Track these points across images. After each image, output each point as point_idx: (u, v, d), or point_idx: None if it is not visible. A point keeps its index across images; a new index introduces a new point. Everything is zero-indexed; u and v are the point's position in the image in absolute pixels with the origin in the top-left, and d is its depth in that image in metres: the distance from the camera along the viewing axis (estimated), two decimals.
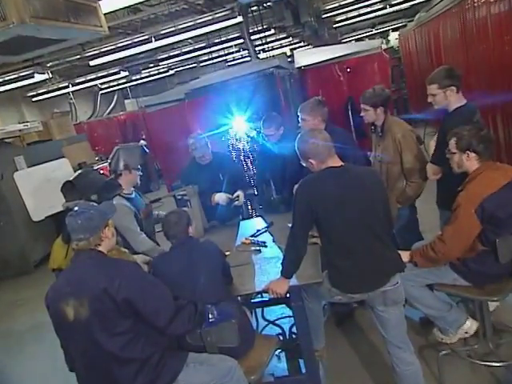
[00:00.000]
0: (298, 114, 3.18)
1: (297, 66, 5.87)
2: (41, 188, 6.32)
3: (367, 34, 14.53)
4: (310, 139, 2.20)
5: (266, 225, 3.42)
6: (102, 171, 2.95)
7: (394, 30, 13.42)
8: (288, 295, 2.41)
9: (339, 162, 2.20)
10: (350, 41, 14.57)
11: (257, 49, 8.76)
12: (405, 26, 11.55)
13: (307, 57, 5.89)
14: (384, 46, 11.10)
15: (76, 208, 1.91)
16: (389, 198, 2.41)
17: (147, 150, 3.15)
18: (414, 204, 3.15)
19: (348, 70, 5.60)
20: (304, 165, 2.29)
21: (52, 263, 2.42)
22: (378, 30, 14.20)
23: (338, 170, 2.17)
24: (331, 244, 2.19)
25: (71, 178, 2.44)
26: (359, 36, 14.71)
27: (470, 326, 2.63)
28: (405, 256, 2.44)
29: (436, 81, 2.67)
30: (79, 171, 2.56)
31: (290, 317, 3.34)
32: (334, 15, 10.25)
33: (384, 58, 5.83)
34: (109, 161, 3.09)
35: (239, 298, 2.63)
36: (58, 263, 2.37)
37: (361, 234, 2.13)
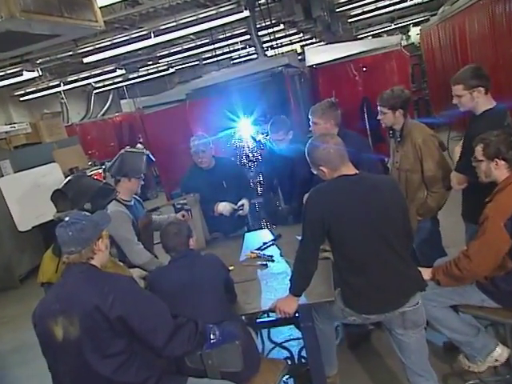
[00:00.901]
0: (309, 117, 3.20)
1: (308, 64, 5.90)
2: (28, 195, 6.36)
3: (385, 29, 14.60)
4: (321, 145, 2.21)
5: (273, 237, 3.43)
6: (95, 177, 2.99)
7: (415, 24, 13.47)
8: (297, 315, 2.41)
9: (353, 170, 2.21)
10: (367, 37, 14.65)
11: (264, 46, 8.82)
12: (427, 20, 11.60)
13: (319, 54, 5.93)
14: (404, 43, 11.13)
15: (67, 218, 1.93)
16: (408, 209, 2.41)
17: (153, 159, 3.18)
18: (436, 216, 3.14)
19: (364, 68, 5.62)
20: (315, 173, 2.30)
21: (41, 277, 2.44)
22: (398, 25, 14.25)
23: (352, 179, 2.18)
24: (344, 259, 2.20)
25: (60, 186, 2.46)
26: (376, 31, 14.78)
27: (501, 353, 2.59)
28: (426, 273, 2.43)
29: (462, 81, 2.66)
30: (69, 178, 2.57)
31: (299, 339, 3.33)
32: (349, 9, 10.32)
33: (404, 56, 5.85)
34: (109, 164, 3.11)
35: (243, 317, 2.64)
36: (48, 277, 2.39)
37: (377, 248, 2.13)
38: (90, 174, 6.48)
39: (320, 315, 2.47)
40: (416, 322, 2.20)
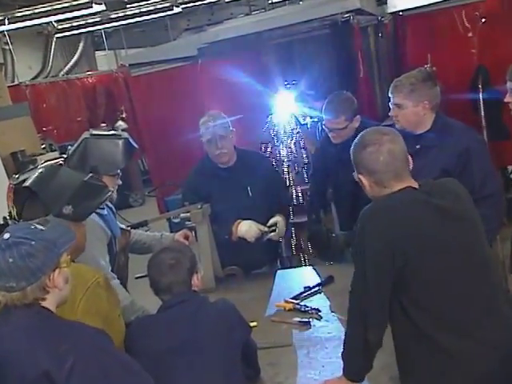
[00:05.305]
0: (389, 95, 3.21)
1: (390, 9, 5.86)
2: None
3: None
4: (369, 145, 2.26)
5: (320, 280, 3.44)
6: None
7: None
8: None
9: (414, 183, 2.25)
10: None
11: None
12: None
13: None
14: None
15: (6, 235, 1.91)
16: None
17: (135, 146, 3.22)
18: None
19: (482, 19, 5.51)
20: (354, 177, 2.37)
21: None
22: None
23: (424, 190, 2.22)
24: (432, 313, 2.17)
25: (28, 183, 2.53)
26: None
27: None
28: None
29: None
30: (39, 171, 2.64)
31: None
32: None
33: None
34: (68, 154, 3.17)
35: None
36: None
37: (479, 290, 2.17)
38: (43, 163, 6.59)
39: None
40: None
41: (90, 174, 2.68)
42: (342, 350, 2.34)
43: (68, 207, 2.43)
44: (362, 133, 2.36)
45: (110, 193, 2.73)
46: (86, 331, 1.98)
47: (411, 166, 2.28)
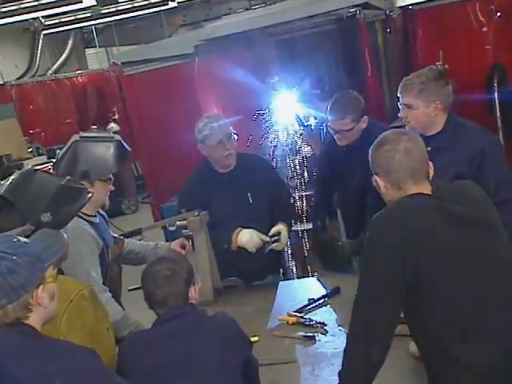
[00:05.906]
0: (398, 94, 3.21)
1: (399, 3, 5.87)
2: None
3: None
4: (387, 144, 2.28)
5: (325, 291, 3.43)
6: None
7: None
8: None
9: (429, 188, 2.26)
10: None
11: None
12: None
13: None
14: None
15: None
16: None
17: (128, 148, 3.23)
18: None
19: (497, 13, 5.51)
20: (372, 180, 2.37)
21: None
22: None
23: (435, 196, 2.23)
24: (444, 321, 2.17)
25: (1, 192, 2.50)
26: None
27: None
28: None
29: None
30: (13, 177, 2.62)
31: None
32: None
33: None
34: (57, 158, 3.17)
35: None
36: None
37: (496, 297, 2.17)
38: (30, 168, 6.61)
39: None
40: None
41: (68, 177, 2.65)
42: (340, 369, 2.28)
43: (46, 215, 2.40)
44: (382, 133, 2.39)
45: (90, 195, 2.71)
46: (74, 350, 1.95)
47: (432, 171, 2.29)
